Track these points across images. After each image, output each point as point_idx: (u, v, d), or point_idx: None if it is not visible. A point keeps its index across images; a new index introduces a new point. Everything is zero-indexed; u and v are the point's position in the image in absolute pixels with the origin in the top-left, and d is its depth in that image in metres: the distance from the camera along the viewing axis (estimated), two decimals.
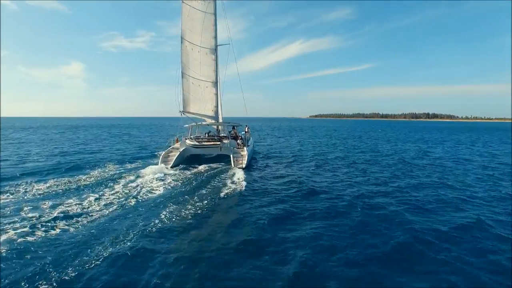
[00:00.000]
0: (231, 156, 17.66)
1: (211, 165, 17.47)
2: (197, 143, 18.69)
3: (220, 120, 22.20)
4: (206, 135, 21.11)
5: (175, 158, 17.46)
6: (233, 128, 21.85)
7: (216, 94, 21.69)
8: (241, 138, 20.73)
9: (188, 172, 15.40)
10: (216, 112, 21.82)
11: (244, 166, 16.44)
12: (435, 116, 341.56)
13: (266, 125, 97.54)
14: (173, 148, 19.49)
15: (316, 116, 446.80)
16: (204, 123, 21.78)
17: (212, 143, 18.88)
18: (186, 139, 19.78)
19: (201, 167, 16.65)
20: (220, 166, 17.19)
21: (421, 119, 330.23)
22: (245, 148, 19.14)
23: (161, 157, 17.71)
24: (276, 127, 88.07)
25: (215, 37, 21.14)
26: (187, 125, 21.39)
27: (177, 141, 21.36)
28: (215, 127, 23.38)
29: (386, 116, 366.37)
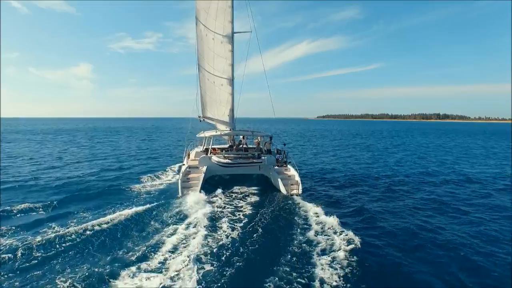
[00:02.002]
0: (278, 179, 13.46)
1: (251, 190, 13.47)
2: (229, 161, 13.94)
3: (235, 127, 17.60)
4: (234, 147, 16.30)
5: (201, 181, 12.89)
6: (270, 139, 16.79)
7: (232, 95, 17.21)
8: (279, 153, 16.12)
9: (236, 203, 11.72)
10: (232, 118, 17.34)
11: (300, 192, 12.73)
12: (446, 116, 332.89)
13: (275, 128, 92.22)
14: (190, 166, 14.55)
15: (324, 116, 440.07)
16: (220, 131, 17.06)
17: (251, 160, 14.36)
18: (206, 153, 15.34)
19: (247, 195, 12.87)
20: (257, 191, 13.37)
21: (432, 120, 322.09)
22: (290, 167, 14.87)
23: (179, 182, 12.79)
24: (287, 131, 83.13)
25: (232, 22, 16.63)
26: (203, 135, 16.92)
27: (188, 155, 16.36)
28: (226, 137, 18.81)
29: (395, 116, 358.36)
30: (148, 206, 10.72)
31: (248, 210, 10.92)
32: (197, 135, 17.46)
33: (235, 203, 11.68)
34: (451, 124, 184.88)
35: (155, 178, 16.38)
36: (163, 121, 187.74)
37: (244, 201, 12.07)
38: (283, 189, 13.04)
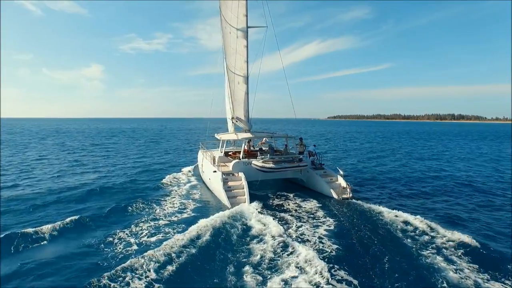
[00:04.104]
0: (325, 183, 13.19)
1: (297, 196, 13.14)
2: (273, 165, 12.85)
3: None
4: (276, 153, 15.11)
5: (246, 189, 11.94)
6: (301, 140, 16.02)
7: (247, 93, 16.18)
8: (312, 155, 15.42)
9: (297, 212, 11.19)
10: (248, 118, 16.25)
11: (351, 195, 12.49)
12: (461, 117, 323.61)
13: (286, 129, 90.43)
14: (224, 173, 12.94)
15: (335, 117, 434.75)
16: (254, 134, 16.03)
17: (296, 164, 13.60)
18: (240, 156, 14.45)
19: (301, 201, 12.39)
20: (306, 197, 12.91)
21: (447, 120, 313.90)
22: (331, 170, 14.49)
23: (223, 193, 11.73)
24: (301, 133, 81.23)
25: (246, 15, 15.57)
26: (223, 137, 16.05)
27: (213, 160, 14.92)
28: (231, 140, 17.86)
29: (408, 117, 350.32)
30: (201, 225, 9.01)
31: (317, 219, 10.36)
32: (217, 137, 16.51)
33: (297, 212, 11.11)
34: (473, 126, 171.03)
35: (176, 187, 15.01)
36: (172, 122, 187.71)
37: (304, 208, 11.58)
38: (334, 194, 12.64)
